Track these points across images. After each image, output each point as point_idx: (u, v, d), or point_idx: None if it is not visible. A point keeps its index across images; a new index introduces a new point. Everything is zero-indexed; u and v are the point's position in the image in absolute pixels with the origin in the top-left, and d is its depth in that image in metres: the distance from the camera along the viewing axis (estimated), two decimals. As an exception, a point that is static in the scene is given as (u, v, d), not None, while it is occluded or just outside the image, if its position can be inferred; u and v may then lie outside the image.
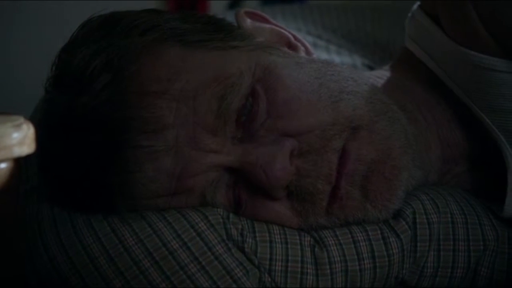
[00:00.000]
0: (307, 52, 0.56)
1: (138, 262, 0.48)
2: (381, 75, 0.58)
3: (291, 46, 0.55)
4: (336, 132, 0.51)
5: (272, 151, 0.49)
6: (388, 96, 0.54)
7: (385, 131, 0.51)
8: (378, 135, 0.51)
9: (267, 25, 0.56)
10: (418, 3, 0.55)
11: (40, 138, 0.41)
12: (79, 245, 0.49)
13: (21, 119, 0.39)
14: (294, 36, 0.56)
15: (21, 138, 0.39)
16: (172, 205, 0.50)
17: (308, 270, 0.49)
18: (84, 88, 0.50)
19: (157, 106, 0.49)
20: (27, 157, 0.40)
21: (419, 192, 0.53)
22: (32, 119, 0.59)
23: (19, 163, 0.39)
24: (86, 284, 0.48)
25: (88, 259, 0.49)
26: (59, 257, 0.49)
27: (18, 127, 0.39)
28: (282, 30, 0.56)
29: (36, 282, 0.50)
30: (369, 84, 0.54)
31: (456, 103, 0.54)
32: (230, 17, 0.56)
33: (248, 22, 0.56)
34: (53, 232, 0.50)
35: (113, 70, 0.50)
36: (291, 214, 0.51)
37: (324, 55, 0.66)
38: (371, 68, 0.65)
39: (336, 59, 0.67)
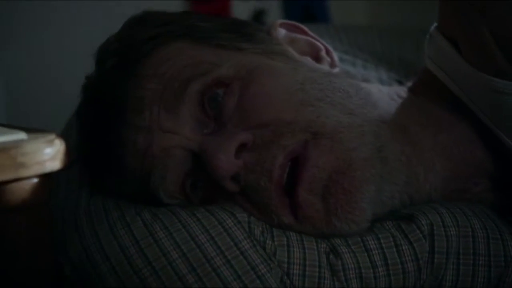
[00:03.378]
0: (331, 65, 0.55)
1: (166, 253, 0.49)
2: (399, 93, 0.57)
3: (318, 58, 0.55)
4: (289, 131, 0.50)
5: (221, 141, 0.50)
6: (391, 114, 0.54)
7: (349, 142, 0.50)
8: (341, 144, 0.50)
9: (303, 36, 0.58)
10: (435, 24, 0.53)
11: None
12: (112, 236, 0.51)
13: (53, 135, 0.40)
14: (327, 49, 0.58)
15: (53, 154, 0.39)
16: (150, 187, 0.52)
17: (325, 275, 0.50)
18: (97, 69, 0.57)
19: (145, 88, 0.52)
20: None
21: (438, 205, 0.53)
22: (64, 134, 0.61)
23: (51, 178, 0.38)
24: (116, 272, 0.49)
25: (119, 249, 0.50)
26: (93, 246, 0.51)
27: (50, 143, 0.40)
28: (316, 42, 0.58)
29: (70, 269, 0.51)
30: (365, 99, 0.54)
31: (478, 123, 0.54)
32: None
33: (282, 32, 0.58)
34: (89, 225, 0.52)
35: (119, 55, 0.55)
36: (249, 208, 0.51)
37: (350, 70, 0.65)
38: (400, 82, 0.66)
39: (362, 73, 0.66)
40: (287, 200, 0.49)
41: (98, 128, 0.53)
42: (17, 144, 0.38)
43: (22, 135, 0.39)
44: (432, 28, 0.55)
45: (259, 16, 1.08)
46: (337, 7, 1.11)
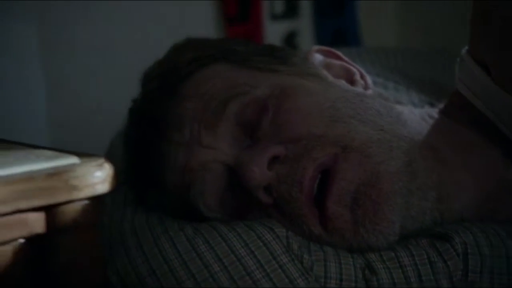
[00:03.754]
0: (365, 88, 0.59)
1: (208, 266, 0.51)
2: (430, 114, 0.58)
3: (352, 81, 0.58)
4: (320, 144, 0.53)
5: (254, 154, 0.53)
6: (422, 134, 0.56)
7: (378, 156, 0.52)
8: (369, 158, 0.52)
9: (338, 61, 0.61)
10: (466, 47, 0.54)
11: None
12: (156, 249, 0.53)
13: (102, 160, 0.42)
14: (361, 74, 0.61)
15: (103, 177, 0.42)
16: (190, 200, 0.55)
17: (362, 290, 0.52)
18: (141, 91, 0.62)
19: (185, 107, 0.56)
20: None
21: (471, 225, 0.54)
22: (108, 154, 0.64)
23: (101, 199, 0.41)
24: (161, 283, 0.52)
25: (164, 262, 0.52)
26: (138, 259, 0.54)
27: (100, 166, 0.42)
28: (351, 67, 0.61)
29: (117, 281, 0.54)
30: (396, 118, 0.56)
31: (510, 146, 0.55)
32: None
33: (318, 57, 0.61)
34: (134, 238, 0.55)
35: (162, 77, 0.59)
36: (281, 219, 0.53)
37: (382, 92, 0.67)
38: (432, 104, 0.68)
39: (394, 95, 0.68)
40: (317, 211, 0.52)
41: (141, 145, 0.57)
42: (69, 168, 0.41)
43: (74, 159, 0.42)
44: (463, 51, 0.57)
45: (290, 37, 1.10)
46: (367, 28, 1.12)
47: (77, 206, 0.40)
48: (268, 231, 0.52)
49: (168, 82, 0.57)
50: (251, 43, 0.62)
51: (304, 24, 1.12)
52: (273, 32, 1.09)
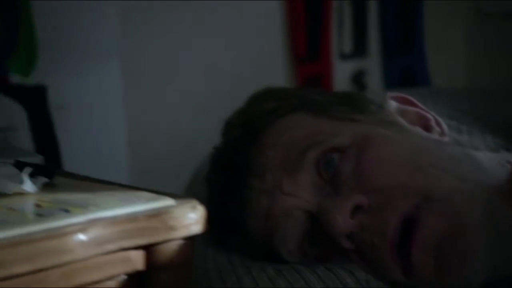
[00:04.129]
0: (441, 134, 0.60)
1: None
2: (508, 159, 0.59)
3: (427, 128, 0.59)
4: (402, 194, 0.54)
5: (338, 203, 0.55)
6: (503, 181, 0.57)
7: (460, 206, 0.53)
8: (452, 208, 0.53)
9: (413, 108, 0.63)
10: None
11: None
12: None
13: (196, 202, 0.45)
14: (436, 120, 0.62)
15: (197, 219, 0.44)
16: (272, 245, 0.57)
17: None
18: (223, 139, 0.65)
19: (267, 155, 0.59)
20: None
21: None
22: (187, 192, 0.67)
23: (195, 240, 0.43)
24: None
25: None
26: None
27: (194, 208, 0.44)
28: (426, 113, 0.63)
29: None
30: (475, 165, 0.57)
31: None
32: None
33: (393, 104, 0.63)
34: (218, 278, 0.58)
35: (244, 126, 0.62)
36: (362, 265, 0.55)
37: (456, 137, 0.68)
38: (508, 149, 0.69)
39: (469, 140, 0.69)
40: (399, 259, 0.53)
41: (224, 191, 0.59)
42: (167, 209, 0.44)
43: (170, 202, 0.45)
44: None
45: (359, 76, 1.12)
46: (436, 68, 1.13)
47: (174, 245, 0.43)
48: (348, 275, 0.54)
49: (249, 131, 0.60)
50: (328, 92, 0.65)
51: (372, 62, 1.14)
52: (342, 71, 1.12)
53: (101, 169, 0.75)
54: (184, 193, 0.82)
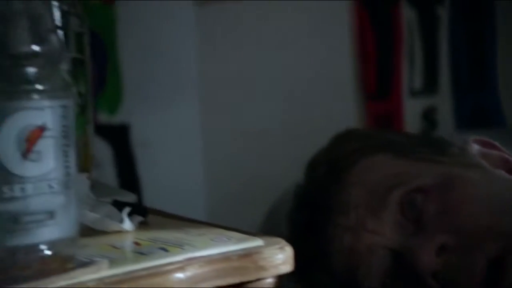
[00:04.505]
0: None
1: None
2: None
3: (510, 171, 0.60)
4: (489, 236, 0.55)
5: (423, 242, 0.56)
6: None
7: None
8: None
9: (495, 152, 0.65)
10: None
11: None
12: None
13: (283, 242, 0.46)
14: None
15: (285, 259, 0.46)
16: (355, 281, 0.60)
17: None
18: (307, 177, 0.68)
19: (351, 193, 0.61)
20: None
21: None
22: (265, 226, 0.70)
23: (282, 278, 0.45)
24: None
25: None
26: None
27: (282, 249, 0.46)
28: (509, 157, 0.65)
29: None
30: None
31: None
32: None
33: (476, 147, 0.65)
34: None
35: (328, 165, 0.66)
36: None
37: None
38: None
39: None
40: None
41: (308, 228, 0.62)
42: (257, 250, 0.46)
43: (259, 242, 0.47)
44: None
45: (429, 113, 1.13)
46: (510, 106, 1.13)
47: (263, 284, 0.46)
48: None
49: (334, 169, 0.64)
50: (409, 134, 0.67)
51: (443, 99, 1.14)
52: (412, 108, 1.12)
53: (179, 204, 0.79)
54: (260, 229, 0.85)
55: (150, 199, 0.94)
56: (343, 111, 1.10)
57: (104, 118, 0.88)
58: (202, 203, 0.95)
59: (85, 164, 0.58)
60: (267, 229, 0.79)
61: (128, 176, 0.89)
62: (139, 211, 0.54)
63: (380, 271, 0.58)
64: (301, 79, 1.03)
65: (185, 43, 0.93)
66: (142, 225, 0.53)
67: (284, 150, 0.99)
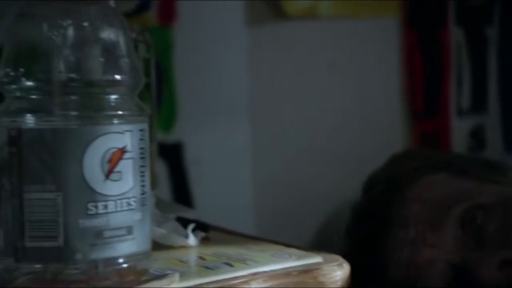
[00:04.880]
0: None
1: None
2: None
3: None
4: None
5: (486, 257, 0.59)
6: None
7: None
8: None
9: None
10: None
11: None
12: None
13: (341, 259, 0.49)
14: None
15: (342, 276, 0.48)
16: None
17: None
18: (366, 193, 0.72)
19: (411, 208, 0.65)
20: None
21: None
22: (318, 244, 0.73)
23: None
24: None
25: None
26: None
27: (340, 266, 0.48)
28: None
29: None
30: None
31: None
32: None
33: None
34: None
35: (388, 182, 0.70)
36: None
37: None
38: None
39: None
40: None
41: (367, 242, 0.65)
42: (317, 266, 0.49)
43: (318, 259, 0.50)
44: None
45: (478, 132, 1.14)
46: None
47: (322, 300, 0.49)
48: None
49: (394, 186, 0.67)
50: (469, 156, 0.71)
51: (492, 119, 1.16)
52: (460, 128, 1.14)
53: (229, 220, 0.82)
54: (311, 245, 0.87)
55: (202, 215, 0.98)
56: (391, 130, 1.12)
57: (159, 136, 0.93)
58: (252, 220, 0.98)
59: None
60: (319, 245, 0.81)
61: (182, 192, 0.93)
62: (202, 227, 0.57)
63: (439, 285, 0.61)
64: (349, 99, 1.06)
65: (237, 63, 0.97)
66: (204, 241, 0.57)
67: (332, 168, 1.02)
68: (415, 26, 1.07)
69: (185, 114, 0.92)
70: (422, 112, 1.10)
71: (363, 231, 0.69)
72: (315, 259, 0.50)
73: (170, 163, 0.92)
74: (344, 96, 1.05)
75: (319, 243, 0.86)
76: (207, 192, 0.95)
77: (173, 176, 0.92)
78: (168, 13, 0.89)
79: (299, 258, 0.50)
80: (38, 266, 0.42)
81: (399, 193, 0.67)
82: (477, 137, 1.15)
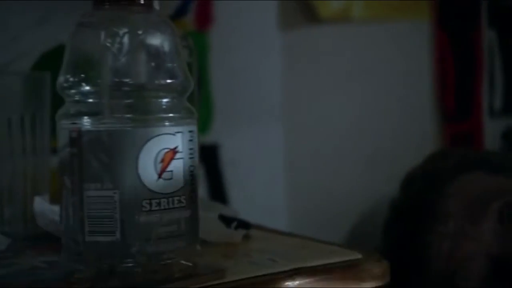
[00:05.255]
0: None
1: None
2: None
3: None
4: None
5: None
6: None
7: None
8: None
9: None
10: None
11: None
12: None
13: (379, 256, 0.51)
14: None
15: (382, 271, 0.51)
16: (453, 287, 0.66)
17: None
18: (404, 191, 0.75)
19: (450, 204, 0.68)
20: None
21: None
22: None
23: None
24: None
25: None
26: None
27: (379, 262, 0.52)
28: None
29: None
30: None
31: None
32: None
33: None
34: None
35: (426, 180, 0.73)
36: None
37: None
38: None
39: None
40: None
41: (407, 236, 0.67)
42: (357, 262, 0.51)
43: (358, 255, 0.52)
44: None
45: (510, 134, 1.15)
46: None
47: (362, 295, 0.51)
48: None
49: (432, 183, 0.70)
50: (502, 155, 0.73)
51: (524, 119, 1.17)
52: (492, 129, 1.15)
53: (262, 220, 0.85)
54: (346, 242, 0.90)
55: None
56: (423, 131, 1.14)
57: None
58: (285, 220, 1.00)
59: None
60: (353, 244, 0.84)
61: (218, 192, 0.96)
62: (244, 224, 0.60)
63: (478, 277, 0.63)
64: (381, 101, 1.08)
65: (270, 66, 0.99)
66: (246, 238, 0.59)
67: (364, 169, 1.04)
68: (447, 28, 1.09)
69: (221, 116, 0.95)
70: (455, 114, 1.12)
71: (402, 227, 0.72)
72: (355, 255, 0.53)
73: (207, 164, 0.95)
74: (377, 98, 1.07)
75: (353, 243, 0.89)
76: (242, 192, 0.98)
77: (209, 176, 0.95)
78: (204, 18, 0.92)
79: (339, 254, 0.53)
80: (96, 259, 0.45)
81: (439, 190, 0.70)
82: (509, 138, 1.16)
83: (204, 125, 0.96)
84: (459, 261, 0.65)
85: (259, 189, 1.00)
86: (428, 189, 0.71)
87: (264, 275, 0.48)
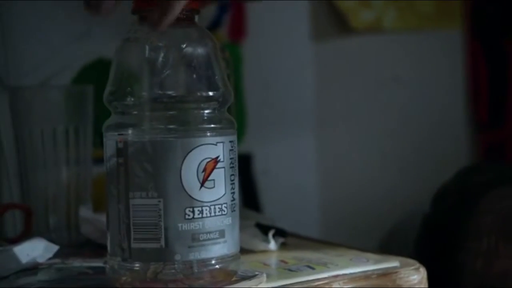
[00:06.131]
0: None
1: None
2: None
3: None
4: None
5: None
6: None
7: None
8: None
9: None
10: None
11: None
12: None
13: (418, 264, 0.52)
14: None
15: (419, 279, 0.51)
16: None
17: None
18: (434, 207, 0.75)
19: (482, 221, 0.68)
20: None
21: None
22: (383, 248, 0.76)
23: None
24: None
25: None
26: None
27: (417, 270, 0.52)
28: None
29: None
30: None
31: None
32: None
33: None
34: None
35: (458, 195, 0.73)
36: None
37: None
38: None
39: None
40: None
41: (439, 254, 0.68)
42: (394, 270, 0.53)
43: (396, 263, 0.54)
44: None
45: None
46: None
47: (399, 301, 0.52)
48: None
49: (465, 199, 0.70)
50: None
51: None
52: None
53: (295, 229, 0.86)
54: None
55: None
56: (456, 141, 1.14)
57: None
58: (318, 228, 1.02)
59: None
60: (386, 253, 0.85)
61: (252, 201, 0.98)
62: (281, 233, 0.62)
63: None
64: (413, 111, 1.09)
65: (302, 77, 1.01)
66: (283, 245, 0.61)
67: (397, 179, 1.05)
68: (479, 37, 1.09)
69: (254, 127, 0.97)
70: (488, 123, 1.12)
71: (434, 243, 0.72)
72: (393, 263, 0.54)
73: (240, 173, 0.96)
74: (409, 108, 1.08)
75: (385, 253, 0.89)
76: (275, 201, 1.00)
77: (243, 185, 0.97)
78: (238, 30, 0.95)
79: (376, 262, 0.54)
80: (141, 265, 0.47)
81: (471, 206, 0.70)
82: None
83: (238, 135, 0.98)
84: (493, 280, 0.66)
85: (292, 198, 1.01)
86: (460, 205, 0.72)
87: (301, 281, 0.50)
